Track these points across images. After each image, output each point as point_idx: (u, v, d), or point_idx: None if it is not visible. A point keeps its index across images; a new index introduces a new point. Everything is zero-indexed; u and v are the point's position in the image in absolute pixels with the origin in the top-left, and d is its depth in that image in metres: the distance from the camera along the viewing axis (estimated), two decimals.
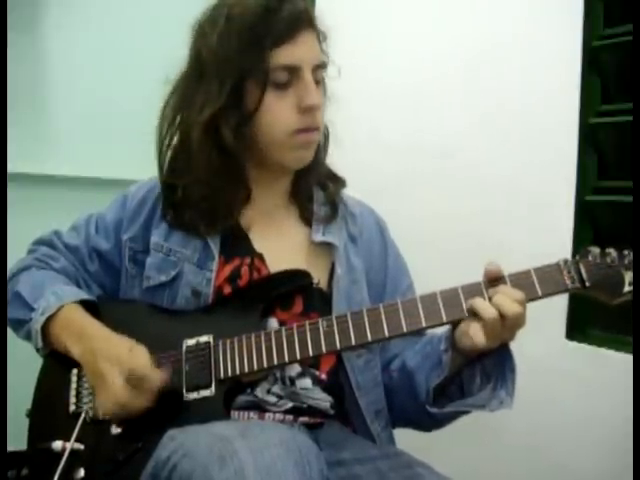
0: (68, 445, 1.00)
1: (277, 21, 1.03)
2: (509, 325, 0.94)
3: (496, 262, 0.98)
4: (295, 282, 1.08)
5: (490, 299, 0.95)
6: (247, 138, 1.09)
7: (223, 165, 1.09)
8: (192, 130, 1.08)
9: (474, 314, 0.95)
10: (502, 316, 0.93)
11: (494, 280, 0.97)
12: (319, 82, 1.11)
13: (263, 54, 1.03)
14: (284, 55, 1.04)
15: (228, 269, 1.12)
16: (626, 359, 1.44)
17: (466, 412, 1.04)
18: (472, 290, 0.97)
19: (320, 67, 1.10)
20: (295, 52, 1.05)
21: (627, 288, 0.94)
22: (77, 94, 2.31)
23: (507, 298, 0.94)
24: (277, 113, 1.06)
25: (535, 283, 0.95)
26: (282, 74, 1.05)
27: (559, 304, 1.62)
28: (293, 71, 1.05)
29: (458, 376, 1.05)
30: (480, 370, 1.03)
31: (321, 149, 1.19)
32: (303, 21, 1.06)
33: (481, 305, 0.94)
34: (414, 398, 1.08)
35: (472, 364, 1.03)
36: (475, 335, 0.94)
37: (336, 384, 1.12)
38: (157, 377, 0.99)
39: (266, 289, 1.08)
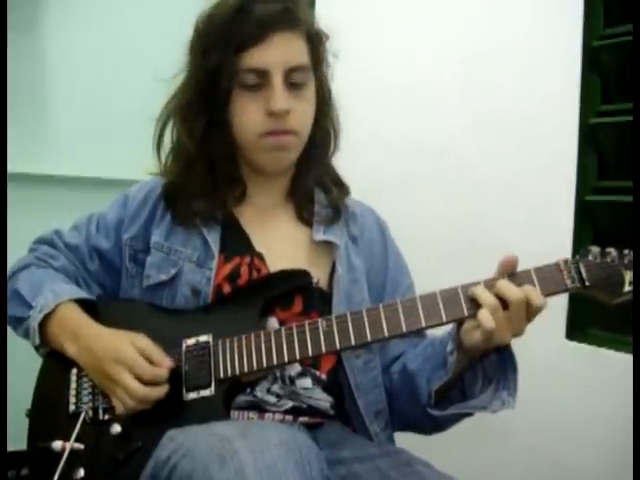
0: (68, 445, 1.00)
1: (246, 23, 1.04)
2: (515, 312, 0.93)
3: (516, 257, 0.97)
4: (294, 282, 1.08)
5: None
6: (226, 137, 1.11)
7: (197, 155, 1.12)
8: (173, 121, 1.14)
9: (477, 304, 0.94)
10: (505, 302, 0.93)
11: (507, 271, 0.96)
12: (297, 84, 1.09)
13: (231, 56, 1.04)
14: (252, 58, 1.05)
15: (228, 268, 1.12)
16: (626, 359, 1.43)
17: (468, 414, 1.04)
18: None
19: (297, 69, 1.08)
20: (263, 55, 1.05)
21: (627, 288, 0.93)
22: (77, 94, 2.31)
23: (509, 284, 0.94)
24: (246, 115, 1.08)
25: (535, 283, 0.95)
26: (250, 77, 1.06)
27: (559, 304, 1.62)
28: (262, 74, 1.06)
29: (460, 379, 1.05)
30: (481, 371, 1.03)
31: (321, 150, 1.19)
32: (276, 23, 1.05)
33: (481, 293, 0.94)
34: (415, 401, 1.08)
35: (473, 366, 1.03)
36: (484, 320, 0.92)
37: (336, 384, 1.12)
38: (165, 362, 1.00)
39: (265, 288, 1.07)
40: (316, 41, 1.12)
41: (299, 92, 1.09)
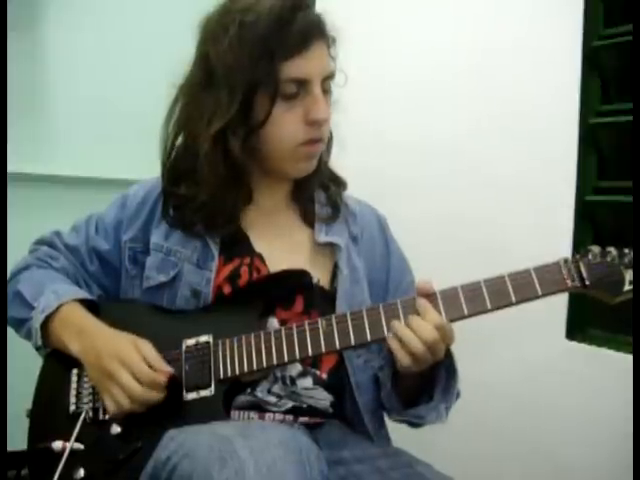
0: (68, 445, 1.00)
1: (289, 33, 1.01)
2: (432, 350, 0.95)
3: (429, 280, 0.98)
4: (294, 281, 1.08)
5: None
6: (253, 148, 1.08)
7: (229, 174, 1.08)
8: (199, 141, 1.07)
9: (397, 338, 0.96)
10: (423, 342, 0.94)
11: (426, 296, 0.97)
12: (327, 92, 1.09)
13: (274, 66, 1.02)
14: (294, 68, 1.03)
15: (228, 269, 1.11)
16: (626, 359, 1.44)
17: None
18: (473, 288, 0.96)
19: (329, 77, 1.09)
20: (306, 65, 1.03)
21: (627, 287, 0.93)
22: (77, 94, 2.31)
23: (427, 324, 0.94)
24: (284, 125, 1.05)
25: (535, 282, 0.95)
26: (291, 86, 1.04)
27: (559, 304, 1.62)
28: (302, 84, 1.04)
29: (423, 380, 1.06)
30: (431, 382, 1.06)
31: (324, 152, 1.18)
32: (315, 32, 1.05)
33: (402, 331, 0.95)
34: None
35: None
36: (399, 357, 0.95)
37: (337, 383, 1.12)
38: (165, 369, 1.00)
39: (265, 289, 1.07)
40: (333, 47, 1.12)
41: (327, 99, 1.09)
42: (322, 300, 1.11)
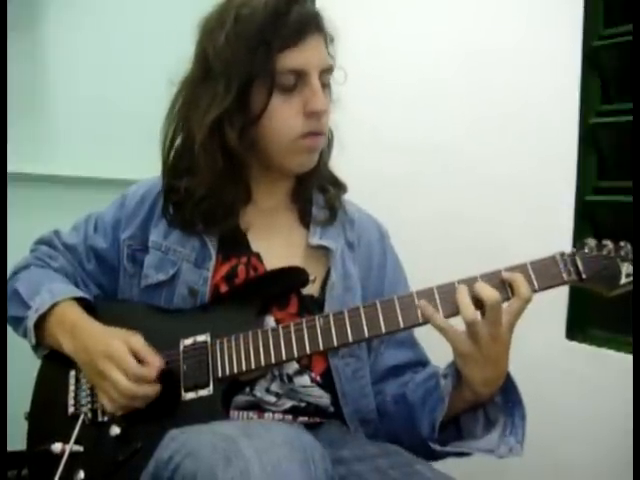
0: (67, 447, 1.00)
1: (285, 24, 1.02)
2: (489, 320, 0.92)
3: None
4: (291, 279, 1.07)
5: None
6: (251, 141, 1.08)
7: (226, 167, 1.08)
8: (196, 131, 1.07)
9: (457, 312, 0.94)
10: (480, 306, 0.92)
11: None
12: (326, 86, 1.09)
13: (271, 57, 1.02)
14: (291, 59, 1.03)
15: (225, 268, 1.11)
16: (626, 359, 1.43)
17: (468, 454, 1.02)
18: (469, 282, 0.95)
19: (327, 71, 1.09)
20: (302, 56, 1.04)
21: (624, 280, 0.93)
22: (77, 94, 2.31)
23: (486, 287, 0.93)
24: (282, 117, 1.05)
25: (532, 276, 0.94)
26: (289, 77, 1.04)
27: (559, 304, 1.62)
28: (300, 75, 1.04)
29: (456, 415, 1.03)
30: (482, 412, 1.02)
31: (324, 152, 1.18)
32: (311, 25, 1.05)
33: (461, 298, 0.93)
34: (413, 431, 1.06)
35: (475, 408, 1.02)
36: (457, 340, 0.93)
37: (330, 384, 1.11)
38: (154, 362, 1.00)
39: (262, 286, 1.07)
40: (331, 45, 1.12)
41: (326, 93, 1.09)
42: (314, 306, 1.10)
